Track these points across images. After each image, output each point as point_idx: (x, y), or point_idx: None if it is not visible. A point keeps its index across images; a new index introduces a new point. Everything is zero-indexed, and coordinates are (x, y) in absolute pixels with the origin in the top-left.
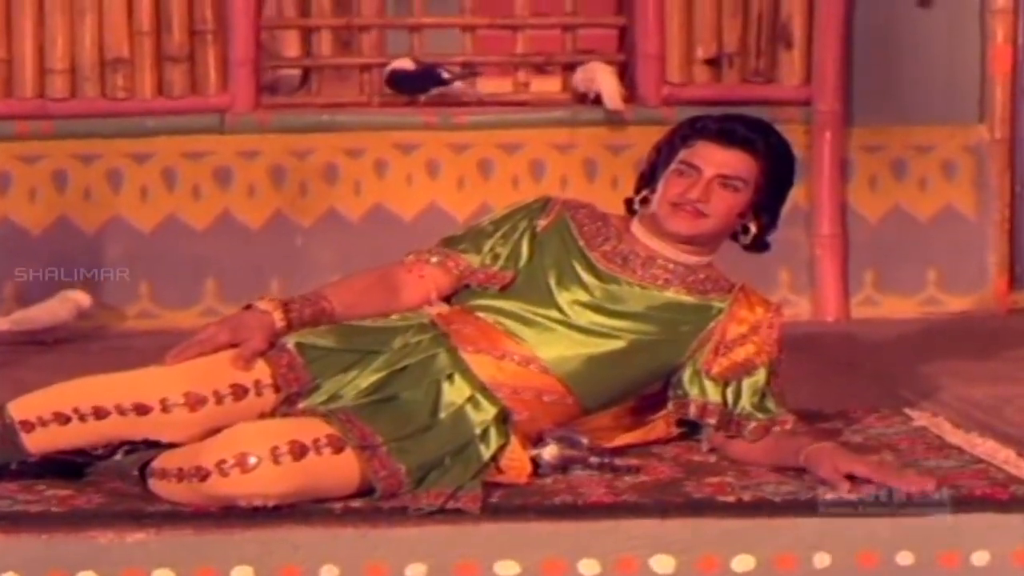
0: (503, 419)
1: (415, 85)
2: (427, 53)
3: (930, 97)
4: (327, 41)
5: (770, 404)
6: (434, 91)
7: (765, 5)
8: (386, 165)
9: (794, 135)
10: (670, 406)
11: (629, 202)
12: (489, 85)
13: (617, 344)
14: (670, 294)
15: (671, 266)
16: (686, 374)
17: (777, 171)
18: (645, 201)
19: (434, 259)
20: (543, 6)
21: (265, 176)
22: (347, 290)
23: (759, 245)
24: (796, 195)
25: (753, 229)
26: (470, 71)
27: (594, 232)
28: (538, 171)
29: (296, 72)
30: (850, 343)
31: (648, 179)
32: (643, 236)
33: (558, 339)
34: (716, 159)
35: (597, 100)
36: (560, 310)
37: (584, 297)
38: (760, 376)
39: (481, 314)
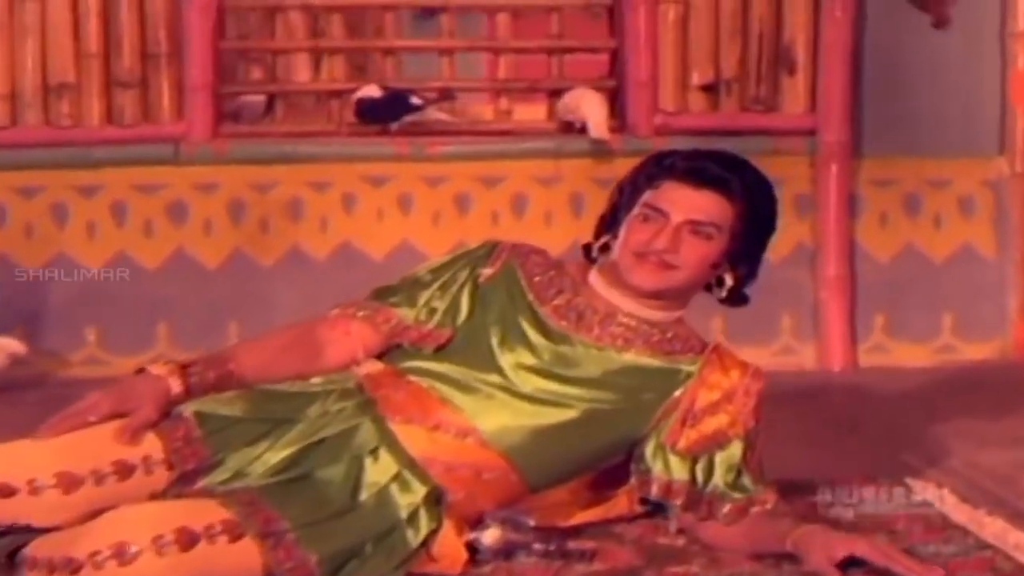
0: (435, 500)
1: (384, 113)
2: (407, 79)
3: (945, 127)
4: (339, 65)
5: (747, 482)
6: (406, 119)
7: (766, 27)
8: (354, 199)
9: (798, 167)
10: (633, 481)
11: (588, 249)
12: (467, 113)
13: (568, 414)
14: (631, 356)
15: (633, 323)
16: (649, 447)
17: (755, 215)
18: (606, 248)
19: (361, 314)
20: (528, 29)
21: (223, 211)
22: (260, 350)
23: (736, 298)
24: (800, 233)
25: (729, 281)
26: (445, 97)
27: (546, 283)
28: (520, 206)
29: (261, 98)
30: (855, 397)
31: (609, 223)
32: (602, 288)
33: (500, 408)
34: (685, 202)
35: (584, 129)
36: (503, 374)
37: (530, 360)
38: (735, 450)
39: (414, 378)
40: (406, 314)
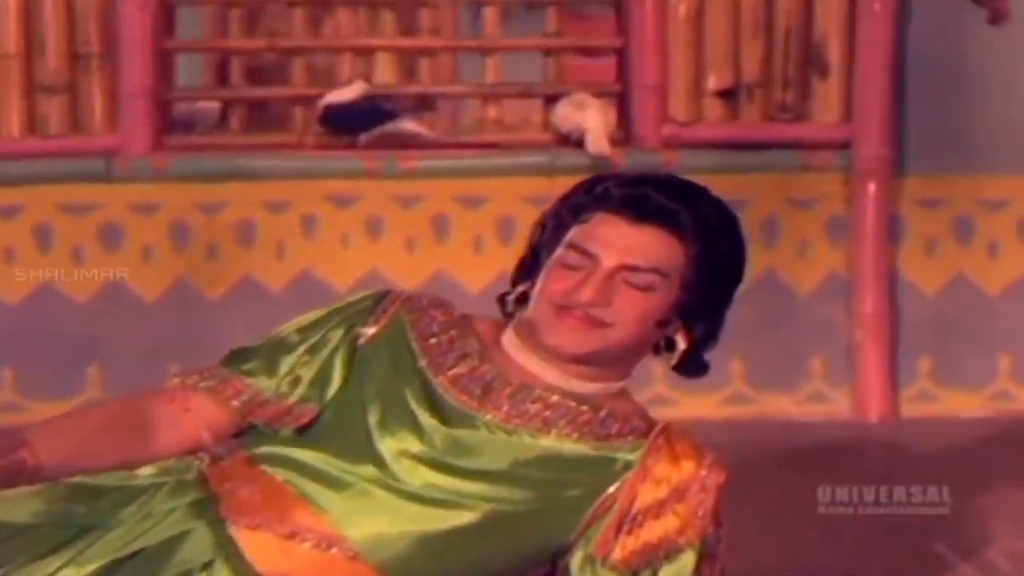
0: None
1: (353, 122)
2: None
3: (1002, 139)
4: (388, 65)
5: None
6: (377, 129)
7: (793, 23)
8: (316, 222)
9: (830, 186)
10: None
11: (502, 300)
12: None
13: (466, 518)
14: (549, 441)
15: (555, 399)
16: (576, 560)
17: (713, 259)
18: (524, 299)
19: (204, 384)
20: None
21: (164, 236)
22: (67, 431)
23: (691, 365)
24: (833, 262)
25: (681, 344)
26: (425, 104)
27: (445, 346)
28: (507, 231)
29: (215, 105)
30: (890, 457)
31: (529, 267)
32: (517, 352)
33: (376, 509)
34: (620, 242)
35: (582, 142)
36: (381, 465)
37: (417, 446)
38: (686, 562)
39: (268, 468)
40: (263, 385)
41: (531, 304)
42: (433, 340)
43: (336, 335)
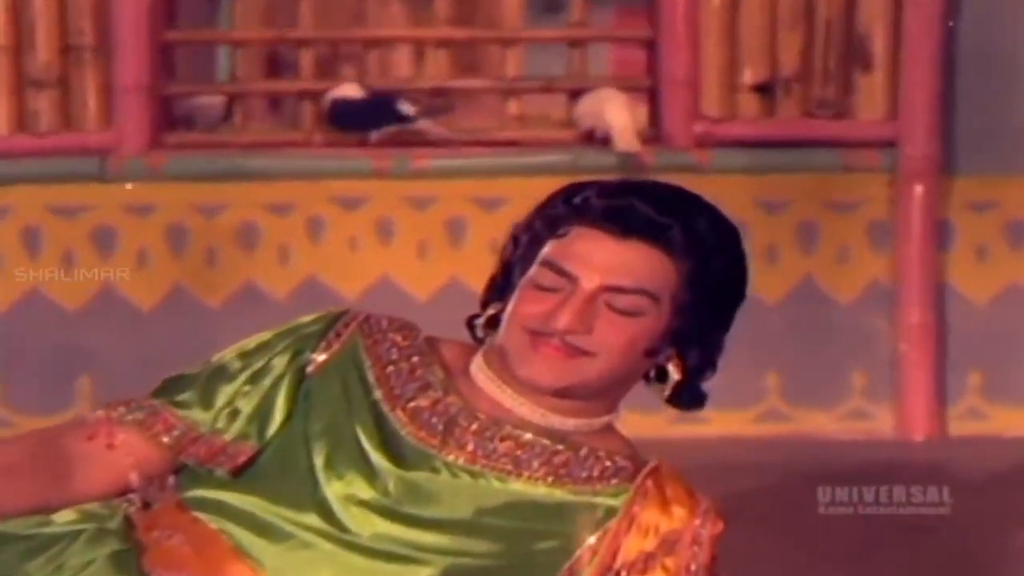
0: None
1: (363, 119)
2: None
3: None
4: (406, 59)
5: None
6: (388, 127)
7: (835, 14)
8: (322, 225)
9: (873, 188)
10: None
11: (471, 323)
12: (464, 119)
13: (423, 573)
14: (520, 486)
15: (527, 436)
16: None
17: (709, 277)
18: (495, 323)
19: (131, 417)
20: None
21: (161, 239)
22: None
23: (687, 396)
24: (876, 270)
25: (675, 374)
26: (441, 103)
27: (405, 375)
28: None
29: (219, 100)
30: (936, 478)
31: (500, 287)
32: (487, 383)
33: (321, 564)
34: (602, 259)
35: (608, 139)
36: (327, 513)
37: (368, 492)
38: None
39: (200, 515)
40: (198, 418)
41: (502, 329)
42: (391, 368)
43: (281, 362)
